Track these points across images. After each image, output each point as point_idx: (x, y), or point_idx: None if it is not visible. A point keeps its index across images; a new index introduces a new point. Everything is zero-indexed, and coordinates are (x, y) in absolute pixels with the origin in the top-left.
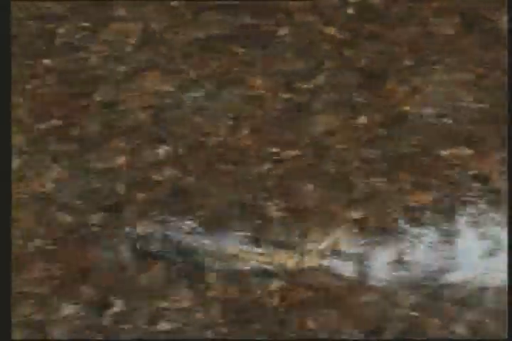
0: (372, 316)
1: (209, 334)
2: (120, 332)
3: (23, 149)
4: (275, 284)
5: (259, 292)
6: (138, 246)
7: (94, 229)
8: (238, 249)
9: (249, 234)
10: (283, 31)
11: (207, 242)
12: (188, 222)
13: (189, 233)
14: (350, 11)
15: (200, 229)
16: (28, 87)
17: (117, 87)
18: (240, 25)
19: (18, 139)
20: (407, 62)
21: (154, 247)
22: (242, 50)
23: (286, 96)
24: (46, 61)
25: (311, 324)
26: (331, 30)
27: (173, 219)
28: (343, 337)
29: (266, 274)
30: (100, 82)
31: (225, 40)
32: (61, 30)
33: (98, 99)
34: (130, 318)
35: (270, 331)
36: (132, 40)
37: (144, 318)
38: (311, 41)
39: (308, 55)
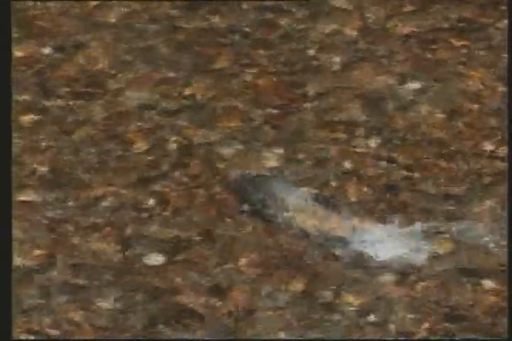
0: None
1: None
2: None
3: (239, 137)
4: None
5: None
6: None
7: None
8: None
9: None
10: (502, 24)
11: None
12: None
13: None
14: None
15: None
16: (247, 76)
17: (333, 77)
18: (460, 18)
19: (235, 127)
20: None
21: None
22: (462, 43)
23: (504, 90)
24: (263, 51)
25: None
26: None
27: (386, 215)
28: None
29: None
30: (316, 72)
31: (443, 33)
32: (282, 21)
33: (314, 89)
34: None
35: None
36: (350, 31)
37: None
38: None
39: None
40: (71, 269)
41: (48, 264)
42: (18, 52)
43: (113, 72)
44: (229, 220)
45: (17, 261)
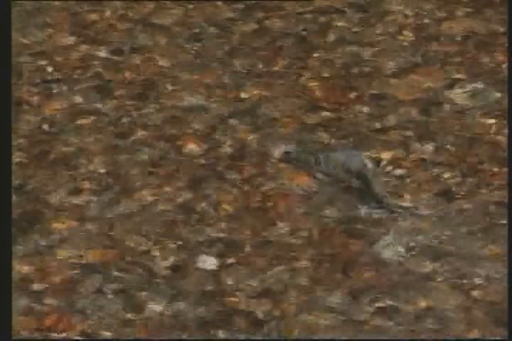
0: None
1: None
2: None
3: (295, 138)
4: None
5: None
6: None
7: (359, 224)
8: None
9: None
10: None
11: None
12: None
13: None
14: None
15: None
16: (301, 79)
17: (387, 81)
18: None
19: (288, 130)
20: None
21: None
22: None
23: None
24: (318, 54)
25: None
26: None
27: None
28: None
29: None
30: (371, 76)
31: (497, 36)
32: (337, 24)
33: (368, 93)
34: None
35: None
36: (405, 35)
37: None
38: None
39: None
40: (125, 271)
41: (102, 265)
42: (74, 55)
43: (168, 74)
44: (281, 223)
45: (70, 261)
